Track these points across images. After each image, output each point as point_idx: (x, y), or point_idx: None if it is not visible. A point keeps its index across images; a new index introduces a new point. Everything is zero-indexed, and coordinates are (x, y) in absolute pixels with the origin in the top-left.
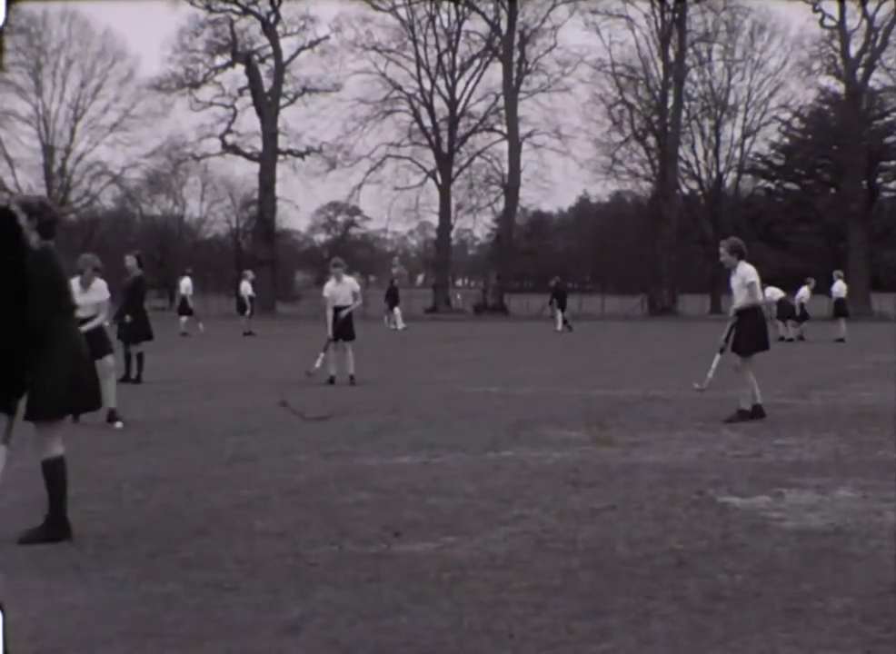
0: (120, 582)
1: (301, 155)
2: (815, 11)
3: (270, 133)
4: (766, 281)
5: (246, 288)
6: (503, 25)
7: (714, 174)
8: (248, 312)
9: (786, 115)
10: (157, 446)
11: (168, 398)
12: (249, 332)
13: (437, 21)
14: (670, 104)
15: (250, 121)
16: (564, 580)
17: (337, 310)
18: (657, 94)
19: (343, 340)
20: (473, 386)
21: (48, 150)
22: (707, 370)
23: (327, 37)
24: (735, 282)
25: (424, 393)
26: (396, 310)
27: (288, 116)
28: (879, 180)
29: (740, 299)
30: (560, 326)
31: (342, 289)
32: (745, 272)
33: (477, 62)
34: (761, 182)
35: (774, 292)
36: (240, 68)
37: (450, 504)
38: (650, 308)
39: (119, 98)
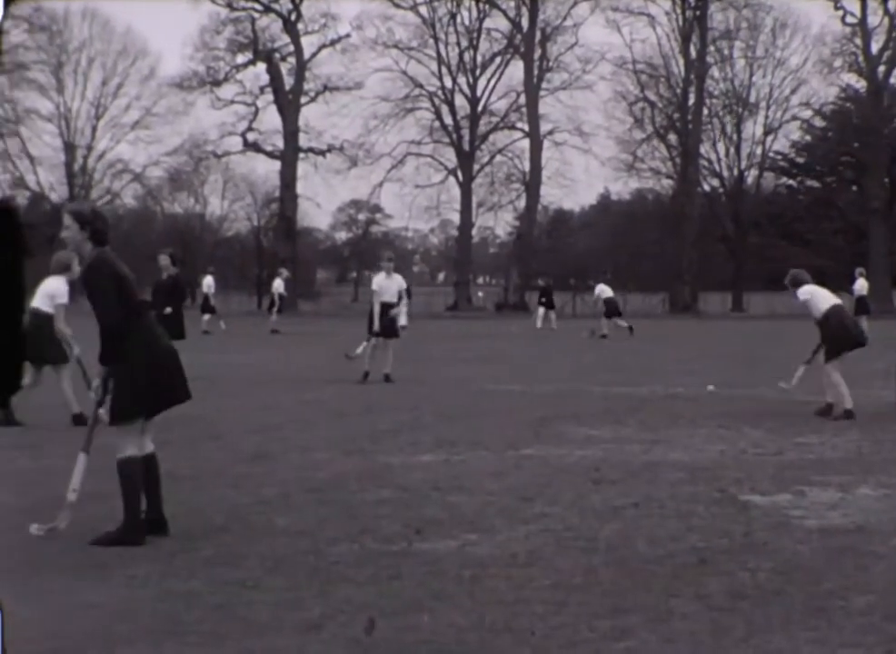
0: (141, 580)
1: (322, 153)
2: (837, 8)
3: (291, 131)
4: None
5: (279, 286)
6: (525, 23)
7: (736, 172)
8: (276, 309)
9: (808, 113)
10: (178, 444)
11: None
12: (275, 330)
13: (458, 18)
14: (691, 101)
15: (271, 119)
16: (586, 578)
17: (383, 306)
18: (678, 91)
19: (385, 338)
20: (495, 384)
21: (70, 148)
22: (795, 370)
23: (348, 35)
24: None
25: (446, 391)
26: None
27: (309, 114)
28: None
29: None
30: (540, 323)
31: (390, 284)
32: (801, 294)
33: (498, 59)
34: (783, 179)
35: (603, 291)
36: (261, 66)
37: (471, 502)
38: (671, 306)
39: (140, 96)
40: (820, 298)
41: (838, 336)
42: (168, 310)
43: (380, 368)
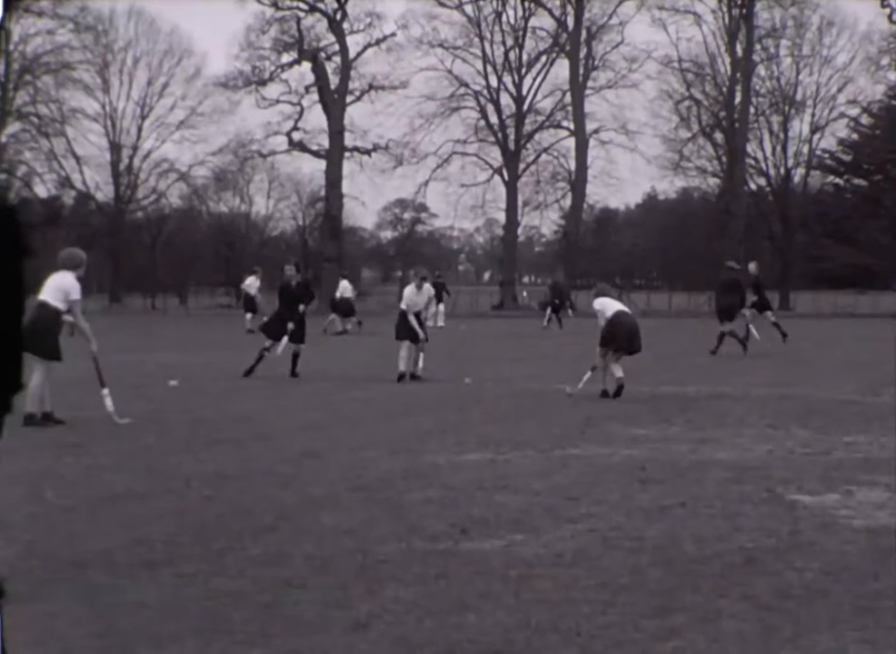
0: (189, 579)
1: (367, 152)
2: (883, 6)
3: (336, 131)
4: (836, 279)
5: (346, 288)
6: (570, 21)
7: (782, 171)
8: (342, 313)
9: (855, 111)
10: (226, 443)
11: (236, 395)
12: (343, 331)
13: (503, 17)
14: (737, 99)
15: (316, 118)
16: (632, 578)
17: (415, 315)
18: (724, 89)
19: (411, 341)
20: (541, 383)
21: (115, 147)
22: None
23: (394, 34)
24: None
25: (491, 390)
26: (440, 306)
27: (355, 113)
28: None
29: None
30: (562, 321)
31: (420, 298)
32: (595, 304)
33: (544, 58)
34: (830, 178)
35: (345, 289)
36: (306, 65)
37: (517, 501)
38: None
39: (186, 96)
40: (608, 308)
41: (609, 336)
42: (302, 308)
43: (414, 368)
